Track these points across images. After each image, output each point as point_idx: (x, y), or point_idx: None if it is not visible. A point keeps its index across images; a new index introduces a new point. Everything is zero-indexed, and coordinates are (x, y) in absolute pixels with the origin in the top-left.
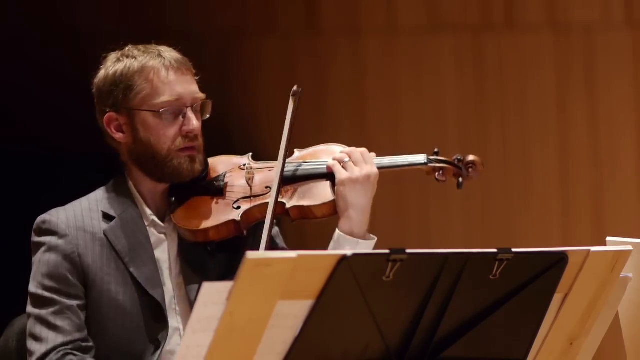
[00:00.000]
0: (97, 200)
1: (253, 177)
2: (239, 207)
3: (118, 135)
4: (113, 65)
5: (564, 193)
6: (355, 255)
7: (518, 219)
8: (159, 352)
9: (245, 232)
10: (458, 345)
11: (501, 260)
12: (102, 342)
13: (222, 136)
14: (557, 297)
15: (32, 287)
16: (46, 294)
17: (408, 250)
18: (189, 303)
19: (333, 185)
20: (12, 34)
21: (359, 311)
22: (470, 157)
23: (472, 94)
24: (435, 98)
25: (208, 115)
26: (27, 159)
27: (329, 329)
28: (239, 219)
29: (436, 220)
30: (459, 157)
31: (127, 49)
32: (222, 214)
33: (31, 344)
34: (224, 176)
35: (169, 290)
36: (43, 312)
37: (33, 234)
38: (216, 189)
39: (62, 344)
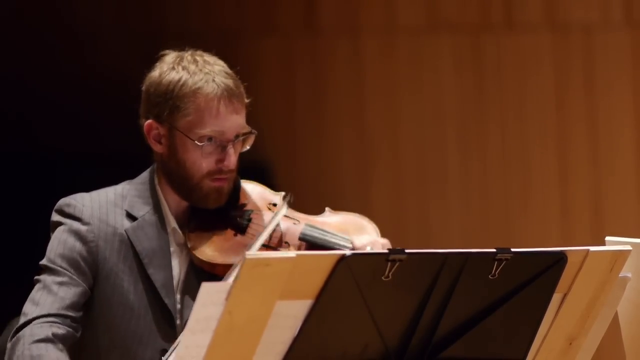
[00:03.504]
0: (122, 197)
1: (278, 226)
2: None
3: (155, 145)
4: (168, 72)
5: (562, 193)
6: (354, 255)
7: (517, 218)
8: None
9: None
10: (457, 345)
11: (500, 260)
12: (106, 337)
13: None
14: (556, 297)
15: (44, 260)
16: (56, 267)
17: (407, 250)
18: (181, 317)
19: None
20: (12, 34)
21: (358, 311)
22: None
23: (471, 94)
24: (434, 98)
25: (248, 147)
26: (27, 159)
27: (328, 329)
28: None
29: (435, 220)
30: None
31: (185, 55)
32: (234, 253)
33: (26, 306)
34: (250, 214)
35: (172, 303)
36: (48, 279)
37: (54, 213)
38: (239, 225)
39: (55, 314)
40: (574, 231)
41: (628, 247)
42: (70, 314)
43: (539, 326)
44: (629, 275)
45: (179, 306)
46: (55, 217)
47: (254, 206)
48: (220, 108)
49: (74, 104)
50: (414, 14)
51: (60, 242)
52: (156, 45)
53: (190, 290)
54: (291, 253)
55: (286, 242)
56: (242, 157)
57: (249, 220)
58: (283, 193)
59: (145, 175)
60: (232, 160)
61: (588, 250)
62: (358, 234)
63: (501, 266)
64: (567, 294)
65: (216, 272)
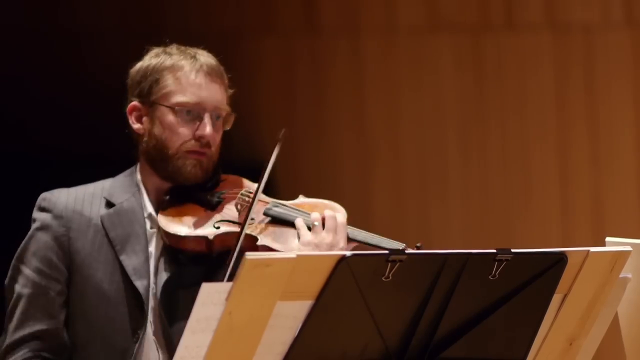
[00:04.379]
0: (102, 188)
1: (247, 204)
2: (218, 227)
3: (136, 126)
4: (150, 59)
5: (563, 193)
6: (354, 256)
7: (517, 219)
8: (137, 344)
9: (214, 254)
10: (457, 345)
11: (500, 260)
12: (83, 328)
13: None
14: (556, 298)
15: (18, 261)
16: (30, 274)
17: (407, 251)
18: (155, 299)
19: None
20: (12, 34)
21: (358, 311)
22: None
23: (472, 94)
24: (434, 98)
25: (228, 127)
26: (27, 159)
27: (328, 330)
28: (212, 237)
29: (435, 220)
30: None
31: (169, 47)
32: (200, 227)
33: (7, 322)
34: (223, 193)
35: (150, 284)
36: (22, 291)
37: (34, 209)
38: (210, 203)
39: (34, 336)
40: (574, 231)
41: (628, 248)
42: (47, 327)
43: (539, 327)
44: (629, 275)
45: (153, 287)
46: (34, 212)
47: (230, 190)
48: (198, 78)
49: (74, 104)
50: (414, 14)
51: (34, 240)
52: (156, 46)
53: (162, 270)
54: (292, 254)
55: (252, 219)
56: (242, 157)
57: (220, 199)
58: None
59: (127, 170)
60: (208, 130)
61: (588, 250)
62: (320, 211)
63: (501, 267)
64: (567, 294)
65: (181, 247)
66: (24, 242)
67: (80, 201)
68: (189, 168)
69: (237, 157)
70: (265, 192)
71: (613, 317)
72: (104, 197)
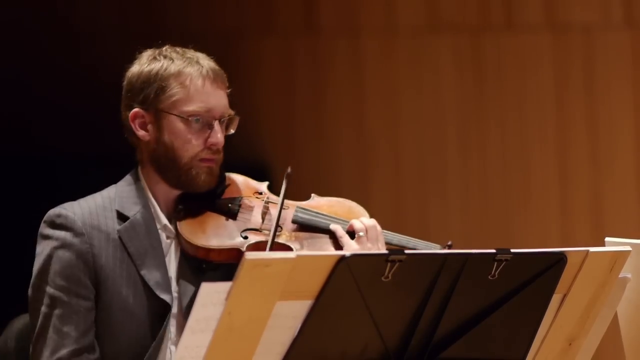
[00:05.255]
0: (110, 198)
1: (268, 211)
2: (246, 237)
3: (141, 133)
4: (149, 62)
5: (562, 193)
6: (354, 256)
7: (517, 219)
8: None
9: None
10: (457, 345)
11: (500, 260)
12: (110, 345)
13: None
14: (555, 298)
15: (40, 281)
16: (56, 293)
17: (407, 251)
18: (181, 309)
19: (336, 242)
20: (11, 34)
21: (358, 311)
22: None
23: (471, 95)
24: (434, 98)
25: (233, 131)
26: (26, 159)
27: (328, 330)
28: (243, 249)
29: (435, 220)
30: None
31: (164, 48)
32: (228, 238)
33: (37, 345)
34: (241, 200)
35: (173, 295)
36: (51, 312)
37: (44, 225)
38: (230, 211)
39: (72, 355)
40: (574, 231)
41: (628, 248)
42: (82, 344)
43: (539, 327)
44: (629, 275)
45: (176, 295)
46: (46, 229)
47: (241, 193)
48: (206, 85)
49: (74, 104)
50: (414, 14)
51: (56, 260)
52: (155, 46)
53: (185, 278)
54: (291, 254)
55: (279, 227)
56: (242, 156)
57: (240, 206)
58: (267, 182)
59: (129, 177)
60: (219, 137)
61: (588, 250)
62: (347, 215)
63: (501, 267)
64: (566, 294)
65: (210, 258)
66: (42, 262)
67: (95, 216)
68: (202, 177)
69: (236, 157)
70: (270, 191)
71: (612, 317)
72: (116, 210)
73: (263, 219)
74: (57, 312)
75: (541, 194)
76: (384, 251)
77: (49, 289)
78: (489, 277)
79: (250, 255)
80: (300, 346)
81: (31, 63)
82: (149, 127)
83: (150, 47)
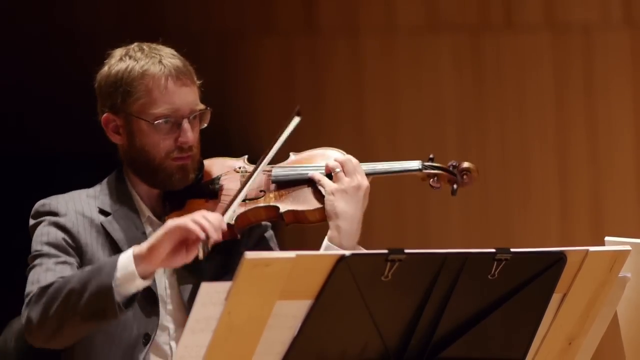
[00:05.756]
0: (94, 197)
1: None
2: (233, 211)
3: (115, 137)
4: (116, 64)
5: (562, 193)
6: (353, 255)
7: (516, 218)
8: (147, 346)
9: (239, 236)
10: (456, 345)
11: (500, 260)
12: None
13: (220, 136)
14: (555, 297)
15: (33, 252)
16: (44, 249)
17: (406, 250)
18: (182, 303)
19: (317, 190)
20: (11, 34)
21: (358, 311)
22: (465, 164)
23: (471, 94)
24: (433, 98)
25: (205, 124)
26: (26, 159)
27: (328, 329)
28: (232, 222)
29: (435, 220)
30: (453, 164)
31: (132, 47)
32: None
33: (28, 287)
34: (219, 179)
35: (162, 288)
36: (44, 261)
37: (31, 218)
38: (211, 192)
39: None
40: (574, 231)
41: (627, 247)
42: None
43: (539, 326)
44: (629, 275)
45: (168, 291)
46: (32, 221)
47: (223, 174)
48: (169, 85)
49: (74, 104)
50: (414, 14)
51: (44, 234)
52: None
53: (181, 272)
54: (291, 253)
55: (262, 191)
56: (241, 156)
57: (219, 184)
58: (246, 156)
59: (112, 175)
60: (189, 136)
61: (587, 250)
62: (325, 159)
63: (500, 266)
64: (566, 294)
65: None
66: (34, 240)
67: (78, 203)
68: (177, 176)
69: (236, 157)
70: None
71: (612, 316)
72: (98, 207)
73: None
74: (49, 260)
75: (541, 194)
76: (383, 250)
77: (38, 254)
78: (489, 276)
79: (250, 255)
80: (300, 346)
81: (31, 63)
82: (121, 130)
83: (112, 50)
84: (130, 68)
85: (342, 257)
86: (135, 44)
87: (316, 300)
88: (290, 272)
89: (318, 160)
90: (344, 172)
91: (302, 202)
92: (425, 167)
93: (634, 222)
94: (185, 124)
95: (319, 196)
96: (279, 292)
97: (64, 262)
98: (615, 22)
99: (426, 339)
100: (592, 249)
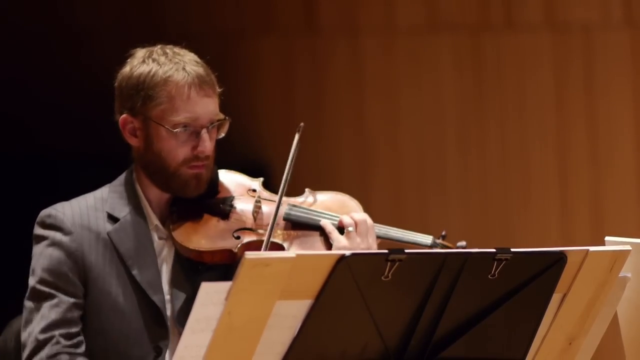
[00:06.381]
0: (102, 199)
1: (260, 209)
2: (238, 237)
3: (131, 139)
4: (138, 65)
5: (562, 192)
6: (353, 255)
7: (517, 218)
8: (160, 358)
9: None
10: (457, 345)
11: (500, 260)
12: (101, 343)
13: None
14: (555, 297)
15: (32, 281)
16: (44, 288)
17: (407, 250)
18: (173, 312)
19: (326, 239)
20: (11, 34)
21: (358, 311)
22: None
23: (471, 94)
24: (433, 98)
25: (224, 134)
26: (26, 159)
27: (328, 329)
28: (235, 250)
29: (435, 220)
30: (463, 245)
31: (155, 49)
32: (220, 239)
33: (23, 334)
34: (233, 200)
35: (165, 296)
36: (38, 305)
37: (36, 226)
38: (222, 211)
39: (53, 336)
40: (574, 231)
41: (627, 247)
42: (68, 330)
43: (539, 326)
44: (629, 275)
45: (168, 297)
46: (38, 230)
47: (234, 193)
48: (192, 94)
49: (74, 104)
50: (414, 14)
51: (45, 257)
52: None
53: (178, 282)
54: (291, 253)
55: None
56: (242, 156)
57: (232, 206)
58: (261, 179)
59: (123, 176)
60: (207, 145)
61: (588, 250)
62: (340, 209)
63: (501, 266)
64: (566, 293)
65: (204, 260)
66: (34, 260)
67: (85, 216)
68: (192, 184)
69: (236, 157)
70: (267, 188)
71: (612, 316)
72: (106, 211)
73: (255, 217)
74: (44, 304)
75: (541, 193)
76: (384, 250)
77: (37, 285)
78: (489, 276)
79: (250, 255)
80: (300, 346)
81: (31, 63)
82: (138, 133)
83: (135, 50)
84: (154, 72)
85: (342, 257)
86: (159, 46)
87: (316, 300)
88: (290, 272)
89: (335, 209)
90: (356, 232)
91: (309, 248)
92: (436, 245)
93: (634, 222)
94: (204, 134)
95: (327, 246)
96: (279, 292)
97: (57, 305)
98: (615, 22)
99: (426, 339)
100: (592, 249)
